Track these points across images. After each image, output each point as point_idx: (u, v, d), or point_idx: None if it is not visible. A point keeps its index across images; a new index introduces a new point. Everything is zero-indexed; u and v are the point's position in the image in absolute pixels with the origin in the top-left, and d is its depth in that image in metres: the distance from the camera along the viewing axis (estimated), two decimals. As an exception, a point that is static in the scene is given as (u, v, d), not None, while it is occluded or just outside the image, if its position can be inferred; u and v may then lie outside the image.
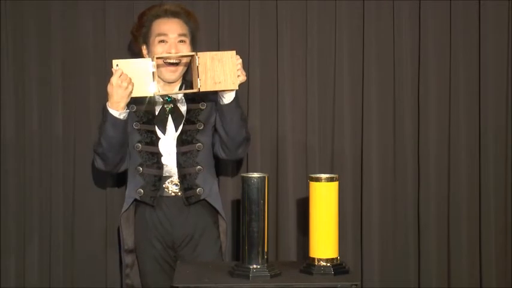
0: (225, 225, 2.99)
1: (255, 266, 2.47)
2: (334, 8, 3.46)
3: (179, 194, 2.95)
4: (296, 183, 3.42)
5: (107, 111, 2.78)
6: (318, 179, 2.52)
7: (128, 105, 2.80)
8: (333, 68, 3.47)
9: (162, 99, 2.98)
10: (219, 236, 2.99)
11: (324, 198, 2.51)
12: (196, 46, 3.03)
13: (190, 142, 2.95)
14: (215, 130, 2.98)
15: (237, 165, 3.43)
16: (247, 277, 2.45)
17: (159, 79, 2.94)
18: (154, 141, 2.95)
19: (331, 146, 3.48)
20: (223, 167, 3.37)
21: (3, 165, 3.40)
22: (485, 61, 3.48)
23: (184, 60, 2.96)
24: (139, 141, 2.94)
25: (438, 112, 3.49)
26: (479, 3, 3.48)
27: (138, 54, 3.04)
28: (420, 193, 3.50)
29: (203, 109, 2.99)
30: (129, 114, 2.83)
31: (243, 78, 2.84)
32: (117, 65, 2.75)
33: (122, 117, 2.79)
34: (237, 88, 2.83)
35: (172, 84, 3.00)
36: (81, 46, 3.41)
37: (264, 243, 2.49)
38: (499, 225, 3.51)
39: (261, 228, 2.48)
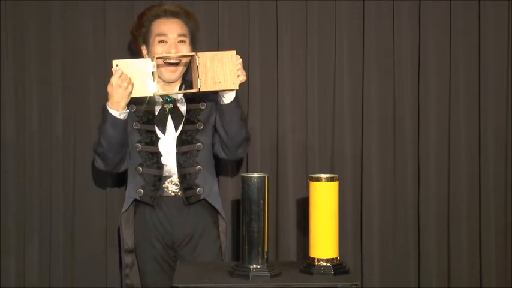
0: (225, 225, 2.99)
1: (255, 266, 2.47)
2: (334, 8, 3.46)
3: (179, 193, 2.95)
4: (296, 183, 3.42)
5: (107, 111, 2.78)
6: (318, 179, 2.52)
7: (128, 105, 2.80)
8: (333, 68, 3.47)
9: (162, 99, 2.98)
10: (219, 236, 2.99)
11: (324, 198, 2.51)
12: (196, 46, 3.03)
13: (190, 142, 2.95)
14: (215, 130, 2.98)
15: (237, 165, 3.43)
16: (247, 277, 2.44)
17: (159, 79, 2.94)
18: (154, 141, 2.95)
19: (331, 146, 3.48)
20: (223, 167, 3.36)
21: (3, 165, 3.40)
22: (485, 61, 3.48)
23: (184, 60, 2.96)
24: (139, 141, 2.94)
25: (438, 112, 3.49)
26: (479, 3, 3.48)
27: (138, 54, 3.04)
28: (420, 193, 3.50)
29: (203, 109, 2.99)
30: (129, 114, 2.83)
31: (243, 78, 2.84)
32: (117, 65, 2.74)
33: (121, 117, 2.79)
34: (237, 88, 2.83)
35: (172, 84, 3.00)
36: (81, 46, 3.41)
37: (264, 243, 2.49)
38: (499, 225, 3.51)
39: (261, 228, 2.48)
